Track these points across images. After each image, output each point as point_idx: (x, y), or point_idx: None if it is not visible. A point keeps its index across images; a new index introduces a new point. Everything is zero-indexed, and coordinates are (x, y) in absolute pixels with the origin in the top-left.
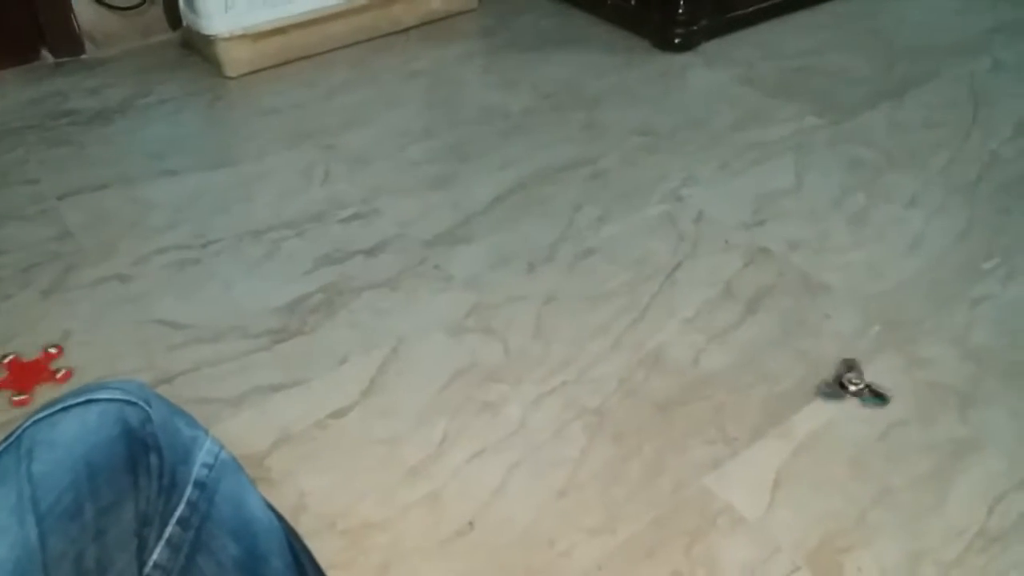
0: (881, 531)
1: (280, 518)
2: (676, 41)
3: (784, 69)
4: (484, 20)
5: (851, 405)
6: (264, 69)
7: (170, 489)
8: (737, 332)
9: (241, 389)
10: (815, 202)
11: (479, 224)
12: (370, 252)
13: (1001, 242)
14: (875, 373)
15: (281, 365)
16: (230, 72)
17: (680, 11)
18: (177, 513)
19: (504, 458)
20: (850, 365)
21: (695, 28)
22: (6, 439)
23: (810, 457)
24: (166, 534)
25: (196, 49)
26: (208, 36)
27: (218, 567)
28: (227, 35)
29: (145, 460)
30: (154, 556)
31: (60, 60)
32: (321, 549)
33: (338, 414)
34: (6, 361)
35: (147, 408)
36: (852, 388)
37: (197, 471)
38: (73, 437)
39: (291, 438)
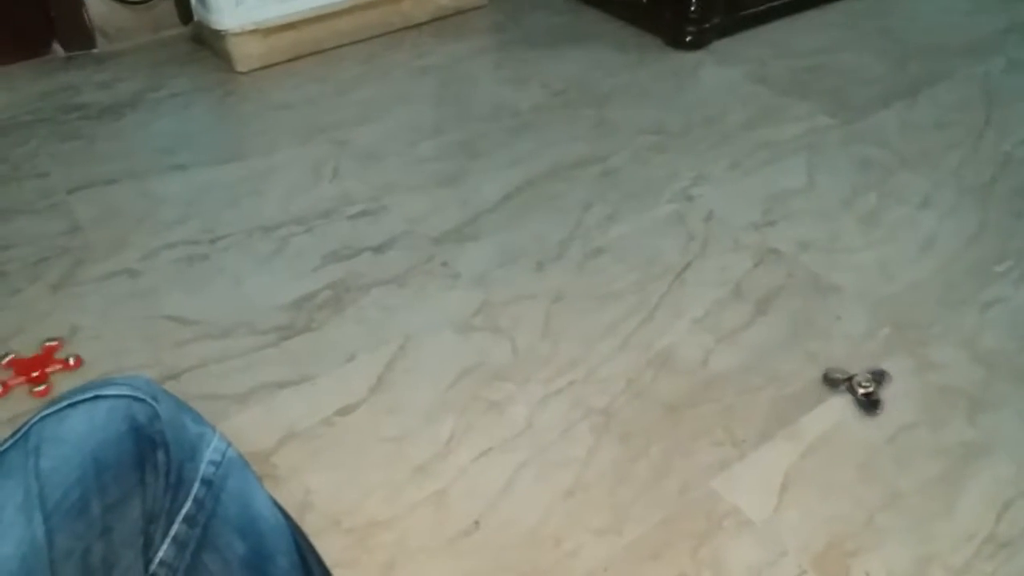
0: (889, 535)
1: (286, 516)
2: (688, 39)
3: (796, 68)
4: (495, 16)
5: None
6: (275, 64)
7: (177, 486)
8: (746, 333)
9: (248, 386)
10: (826, 202)
11: (488, 222)
12: (378, 249)
13: (1014, 244)
14: (890, 381)
15: (288, 362)
16: (240, 67)
17: (692, 9)
18: (184, 511)
19: (511, 458)
20: (877, 376)
21: (707, 26)
22: (13, 435)
23: (818, 460)
24: (172, 531)
25: (207, 44)
26: (219, 31)
27: (224, 565)
28: (238, 30)
29: (152, 457)
30: (160, 553)
31: (71, 54)
32: (327, 547)
33: (345, 411)
34: (4, 362)
35: (155, 404)
36: (864, 389)
37: (204, 468)
38: (81, 433)
39: (298, 435)
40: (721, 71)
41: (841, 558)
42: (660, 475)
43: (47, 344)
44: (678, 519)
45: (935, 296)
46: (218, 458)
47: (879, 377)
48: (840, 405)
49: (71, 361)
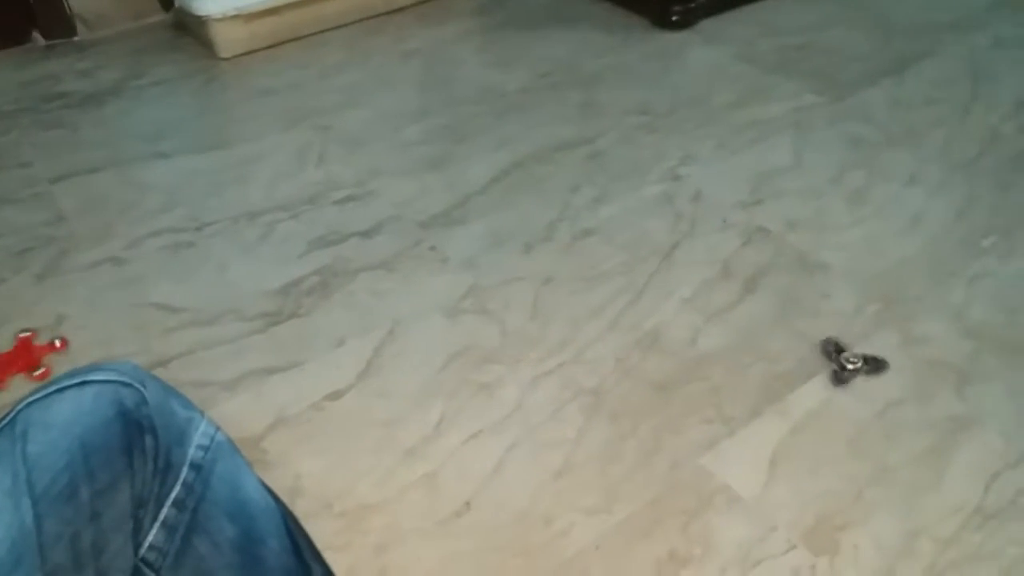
0: (878, 509)
1: (277, 499)
2: (674, 19)
3: (783, 47)
4: None
5: (851, 383)
6: (258, 50)
7: (165, 471)
8: (735, 312)
9: (237, 372)
10: (814, 180)
11: (475, 205)
12: (366, 234)
13: (1000, 219)
14: (873, 351)
15: (277, 348)
16: (223, 53)
17: None
18: (173, 495)
19: (501, 439)
20: (837, 346)
21: (693, 6)
22: (1, 421)
23: (807, 436)
24: (161, 516)
25: (189, 30)
26: (201, 17)
27: (214, 548)
28: (220, 16)
29: (140, 442)
30: (149, 538)
31: (52, 42)
32: (318, 531)
33: (334, 396)
34: (21, 336)
35: (142, 389)
36: (851, 367)
37: (193, 453)
38: (68, 418)
39: (287, 420)
40: (707, 51)
41: (830, 532)
42: (650, 454)
43: (20, 336)
44: (668, 497)
45: (923, 271)
46: (207, 442)
47: (873, 365)
48: (828, 381)
49: (57, 343)
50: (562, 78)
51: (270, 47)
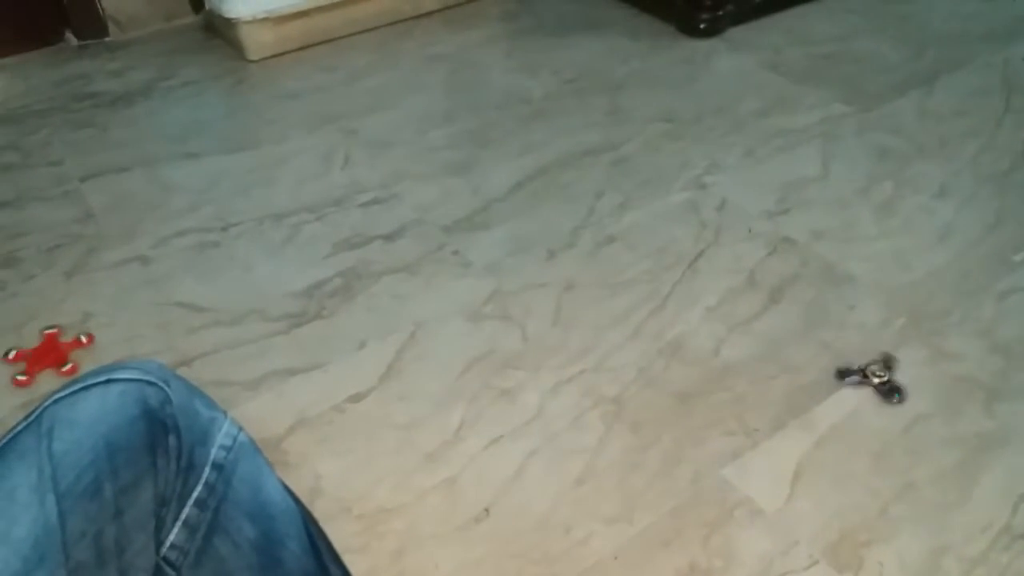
0: (903, 526)
1: (297, 501)
2: (701, 26)
3: (812, 55)
4: (506, 4)
5: (875, 397)
6: (286, 53)
7: (188, 470)
8: (759, 322)
9: (259, 372)
10: (841, 191)
11: (499, 210)
12: (389, 237)
13: None
14: (900, 366)
15: (299, 349)
16: (252, 55)
17: None
18: (195, 494)
19: (521, 445)
20: (887, 362)
21: (721, 13)
22: (26, 418)
23: (832, 450)
24: (183, 515)
25: (219, 32)
26: (230, 19)
27: (235, 548)
28: (249, 18)
29: (164, 441)
30: (171, 537)
31: (84, 43)
32: (337, 533)
33: (355, 398)
34: (10, 356)
35: (166, 389)
36: (878, 378)
37: (215, 453)
38: (93, 416)
39: (308, 422)
40: (735, 59)
41: (854, 548)
42: (671, 464)
43: (47, 332)
44: (689, 508)
45: (951, 285)
46: (229, 443)
47: (889, 363)
48: (854, 395)
49: (83, 338)
50: (588, 84)
51: (298, 50)
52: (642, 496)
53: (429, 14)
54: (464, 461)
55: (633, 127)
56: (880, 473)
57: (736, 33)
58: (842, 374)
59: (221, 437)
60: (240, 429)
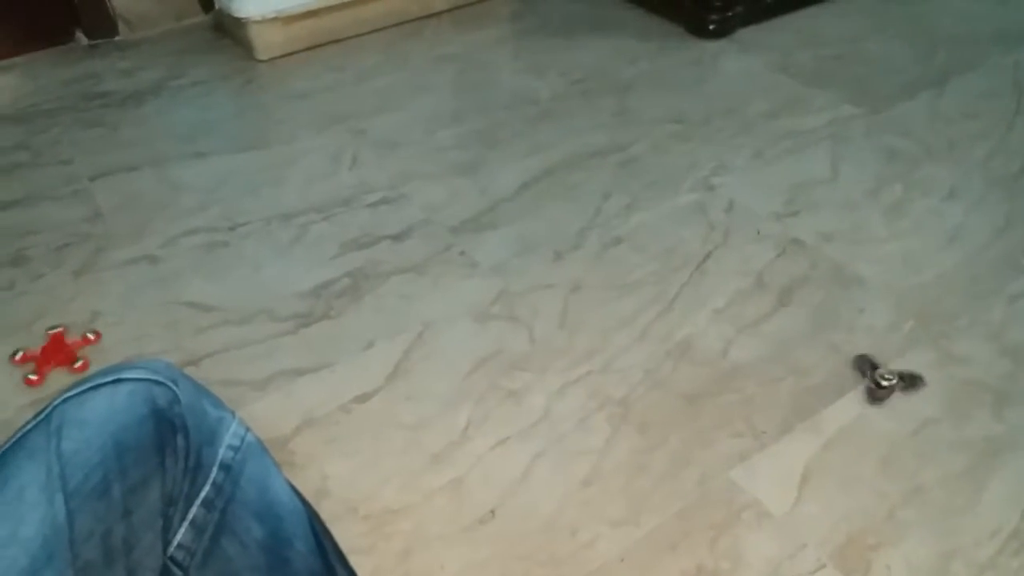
0: (911, 530)
1: (304, 501)
2: (711, 27)
3: (821, 57)
4: (514, 5)
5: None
6: (295, 52)
7: (196, 470)
8: (768, 324)
9: (267, 372)
10: (850, 193)
11: (506, 211)
12: (397, 237)
13: None
14: (908, 368)
15: (307, 349)
16: (261, 55)
17: None
18: (202, 494)
19: (528, 447)
20: (870, 363)
21: (730, 14)
22: (36, 416)
23: (840, 453)
24: (190, 515)
25: (228, 32)
26: (240, 19)
27: (242, 548)
28: (259, 18)
29: (172, 440)
30: (178, 537)
31: (94, 42)
32: (343, 534)
33: (362, 399)
34: (17, 358)
35: (175, 388)
36: (886, 383)
37: (223, 453)
38: (102, 416)
39: (315, 422)
40: (744, 60)
41: (862, 552)
42: (678, 466)
43: (51, 332)
44: (696, 510)
45: (961, 288)
46: (237, 443)
47: (909, 381)
48: (862, 398)
49: (91, 336)
50: (596, 85)
51: (308, 49)
52: (649, 498)
53: (438, 14)
54: (471, 462)
55: (641, 128)
56: (888, 476)
57: (746, 34)
58: (860, 365)
59: (229, 437)
60: (248, 429)
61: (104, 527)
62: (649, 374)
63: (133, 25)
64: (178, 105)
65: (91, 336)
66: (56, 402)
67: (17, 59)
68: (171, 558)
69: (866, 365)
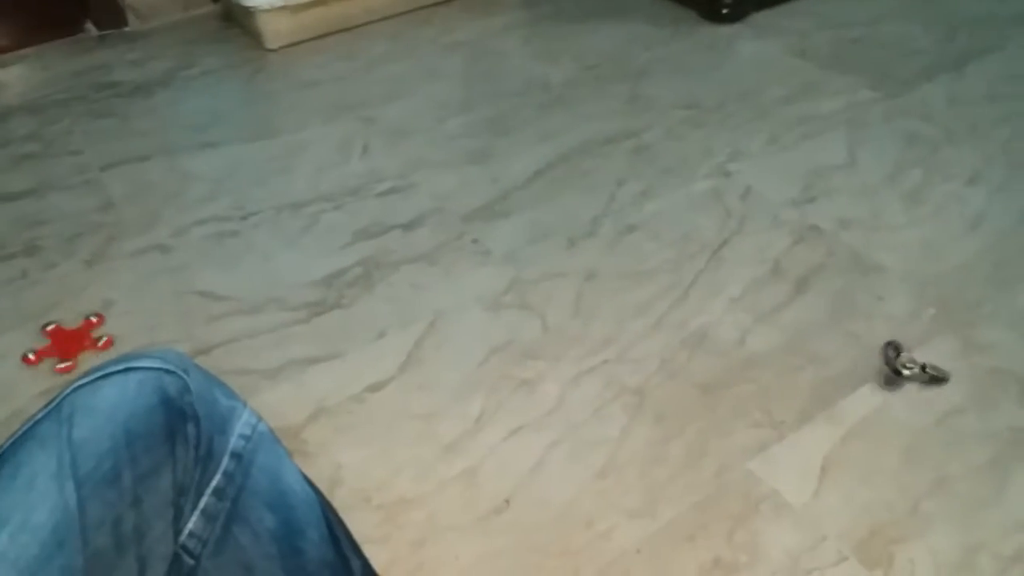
0: (935, 523)
1: (316, 490)
2: (724, 12)
3: (838, 40)
4: None
5: (906, 389)
6: (304, 41)
7: (207, 459)
8: (785, 312)
9: (278, 361)
10: (868, 178)
11: (518, 199)
12: (408, 226)
13: None
14: (930, 358)
15: (318, 338)
16: (270, 44)
17: None
18: (213, 483)
19: (542, 436)
20: (896, 348)
21: None
22: (47, 405)
23: (860, 443)
24: (201, 504)
25: (237, 21)
26: (248, 8)
27: (254, 538)
28: (267, 7)
29: (183, 429)
30: (189, 525)
31: (104, 33)
32: (357, 523)
33: (375, 388)
34: (49, 329)
35: (185, 378)
36: (907, 372)
37: (234, 442)
38: (113, 404)
39: (328, 411)
40: (759, 44)
41: (884, 545)
42: (695, 456)
43: (88, 319)
44: (714, 501)
45: (984, 275)
46: (248, 432)
47: (935, 374)
48: (879, 384)
49: (100, 343)
50: (608, 71)
51: (317, 38)
52: (665, 489)
53: (447, 1)
54: (484, 452)
55: (655, 114)
56: (911, 468)
57: (760, 18)
58: (889, 351)
59: (240, 426)
60: (259, 419)
61: (115, 515)
62: (665, 363)
63: (142, 15)
64: (188, 95)
65: (100, 343)
66: (67, 391)
67: (27, 50)
68: (182, 546)
69: (892, 352)
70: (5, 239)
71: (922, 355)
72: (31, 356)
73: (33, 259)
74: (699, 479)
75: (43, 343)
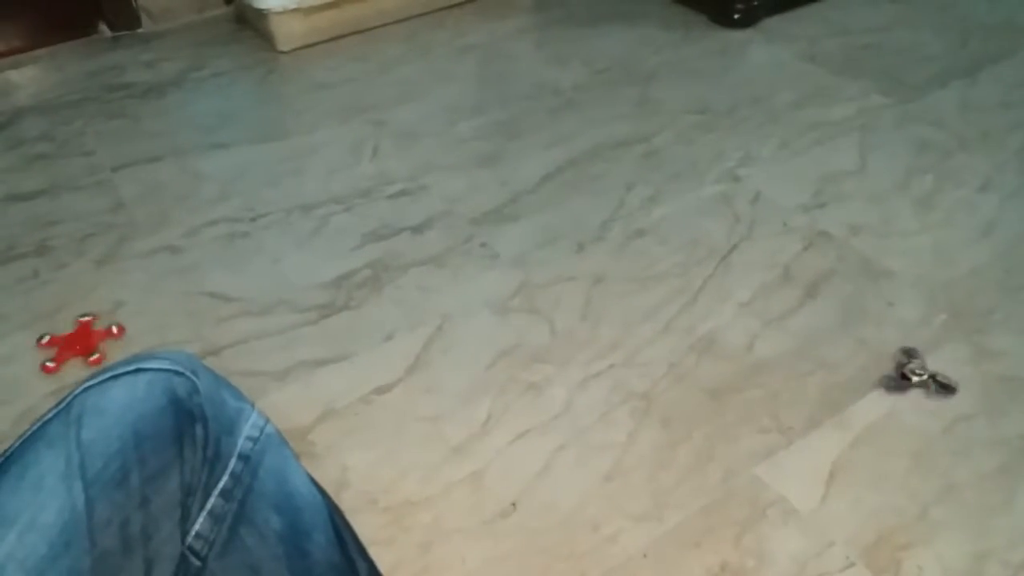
0: (944, 529)
1: (323, 493)
2: (736, 16)
3: (850, 46)
4: None
5: (914, 396)
6: (317, 43)
7: (214, 460)
8: (794, 318)
9: (287, 363)
10: (879, 184)
11: (527, 202)
12: (417, 229)
13: None
14: (940, 364)
15: (327, 340)
16: (283, 46)
17: None
18: (220, 485)
19: (549, 440)
20: (910, 354)
21: (756, 3)
22: (56, 405)
23: (869, 449)
24: (209, 505)
25: (249, 23)
26: (261, 10)
27: (261, 540)
28: (280, 9)
29: (191, 430)
30: (196, 526)
31: (117, 34)
32: (363, 525)
33: (382, 390)
34: (44, 341)
35: (194, 379)
36: (915, 379)
37: (242, 444)
38: (121, 405)
39: (335, 413)
40: (770, 49)
41: (892, 551)
42: (702, 461)
43: (80, 320)
44: (721, 506)
45: (995, 282)
46: (256, 434)
47: (940, 386)
48: (893, 394)
49: (114, 329)
50: (619, 75)
51: (329, 40)
52: (672, 493)
53: (460, 4)
54: (491, 455)
55: (665, 118)
56: (919, 474)
57: (771, 23)
58: (887, 386)
59: (248, 428)
60: (267, 421)
61: (122, 516)
62: (673, 368)
63: (155, 17)
64: (200, 96)
65: (115, 330)
66: (76, 391)
67: (41, 51)
68: (189, 548)
69: (904, 356)
70: (17, 239)
71: (932, 361)
72: (50, 364)
73: (44, 259)
74: (706, 484)
75: (50, 352)
